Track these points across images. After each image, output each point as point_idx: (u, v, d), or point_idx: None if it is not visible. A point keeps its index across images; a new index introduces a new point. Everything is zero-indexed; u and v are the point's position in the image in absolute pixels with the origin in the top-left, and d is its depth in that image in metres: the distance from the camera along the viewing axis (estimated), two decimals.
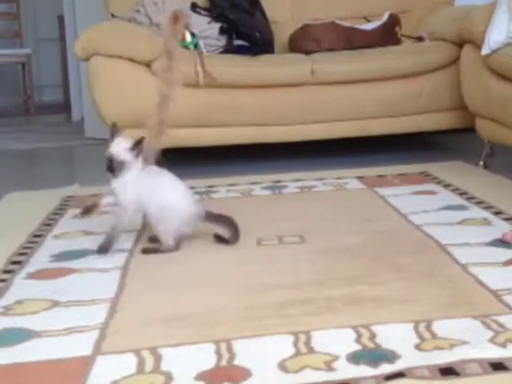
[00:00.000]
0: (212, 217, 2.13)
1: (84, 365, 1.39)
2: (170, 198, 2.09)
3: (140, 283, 1.85)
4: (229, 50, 3.48)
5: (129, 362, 1.39)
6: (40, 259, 2.07)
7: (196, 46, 2.37)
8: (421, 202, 2.56)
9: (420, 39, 3.65)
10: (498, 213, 2.35)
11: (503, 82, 2.90)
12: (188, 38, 2.34)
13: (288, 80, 3.33)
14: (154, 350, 1.43)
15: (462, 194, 2.64)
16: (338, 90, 3.37)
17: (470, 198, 2.56)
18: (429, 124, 3.51)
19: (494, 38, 2.94)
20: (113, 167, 2.06)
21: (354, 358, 1.36)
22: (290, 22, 3.89)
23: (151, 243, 2.17)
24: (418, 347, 1.40)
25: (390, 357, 1.36)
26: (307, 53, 3.50)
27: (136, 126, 3.25)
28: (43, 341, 1.51)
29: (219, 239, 2.15)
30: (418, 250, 2.03)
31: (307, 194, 2.79)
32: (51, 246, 2.20)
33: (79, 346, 1.47)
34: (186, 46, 2.34)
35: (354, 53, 3.47)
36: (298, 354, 1.40)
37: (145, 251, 2.12)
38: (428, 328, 1.49)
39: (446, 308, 1.60)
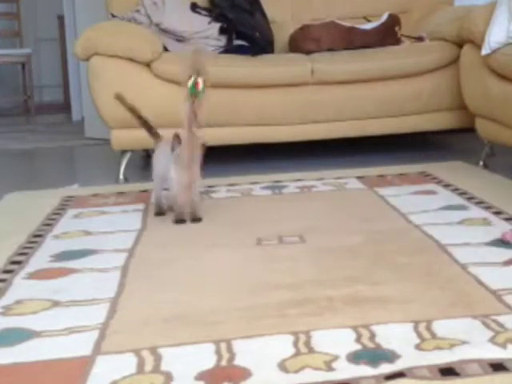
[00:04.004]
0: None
1: (84, 365, 1.39)
2: None
3: (140, 283, 1.85)
4: (229, 50, 3.48)
5: (129, 362, 1.39)
6: (40, 259, 2.07)
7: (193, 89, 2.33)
8: (421, 202, 2.56)
9: (420, 39, 3.65)
10: (497, 213, 2.35)
11: (503, 81, 2.90)
12: (201, 86, 2.31)
13: (288, 80, 3.33)
14: (153, 350, 1.43)
15: (462, 193, 2.64)
16: (338, 90, 3.37)
17: (470, 198, 2.56)
18: (429, 124, 3.51)
19: (494, 37, 2.94)
20: None
21: (354, 358, 1.36)
22: (290, 22, 3.89)
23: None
24: (418, 347, 1.40)
25: (390, 357, 1.36)
26: (307, 53, 3.50)
27: (136, 126, 3.26)
28: (43, 341, 1.51)
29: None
30: (418, 250, 2.03)
31: (307, 193, 2.79)
32: (51, 246, 2.20)
33: (79, 346, 1.47)
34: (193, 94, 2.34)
35: (354, 53, 3.47)
36: (298, 354, 1.40)
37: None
38: (428, 328, 1.49)
39: (446, 308, 1.60)
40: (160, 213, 2.50)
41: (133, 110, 2.62)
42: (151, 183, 3.08)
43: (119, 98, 2.62)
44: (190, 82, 2.31)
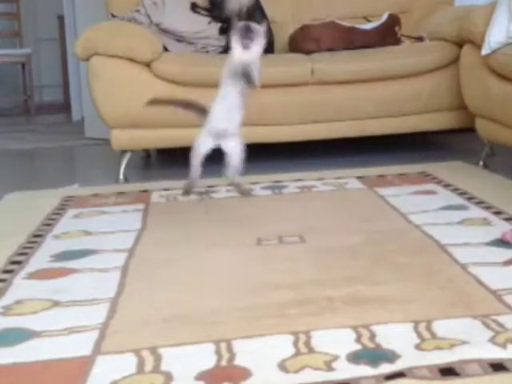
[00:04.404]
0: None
1: (84, 365, 1.39)
2: None
3: (140, 283, 1.85)
4: (229, 50, 3.48)
5: (129, 362, 1.39)
6: (40, 259, 2.07)
7: None
8: (421, 202, 2.56)
9: (420, 39, 3.65)
10: (498, 213, 2.35)
11: (503, 81, 2.90)
12: None
13: (288, 80, 3.33)
14: (153, 350, 1.43)
15: (462, 193, 2.64)
16: (338, 90, 3.37)
17: (470, 198, 2.56)
18: (429, 124, 3.51)
19: (494, 37, 2.94)
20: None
21: (354, 358, 1.36)
22: (290, 21, 3.90)
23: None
24: (418, 347, 1.40)
25: (390, 357, 1.36)
26: (307, 53, 3.50)
27: (136, 126, 3.26)
28: (43, 341, 1.51)
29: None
30: (418, 250, 2.03)
31: (307, 193, 2.79)
32: (51, 246, 2.20)
33: (79, 346, 1.47)
34: None
35: (354, 53, 3.47)
36: (298, 354, 1.40)
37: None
38: (428, 328, 1.49)
39: (446, 308, 1.60)
40: (189, 191, 2.41)
41: (172, 102, 2.56)
42: (152, 183, 3.10)
43: (155, 103, 2.54)
44: None
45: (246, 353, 1.41)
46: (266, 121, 3.35)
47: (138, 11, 3.49)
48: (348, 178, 2.98)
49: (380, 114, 3.42)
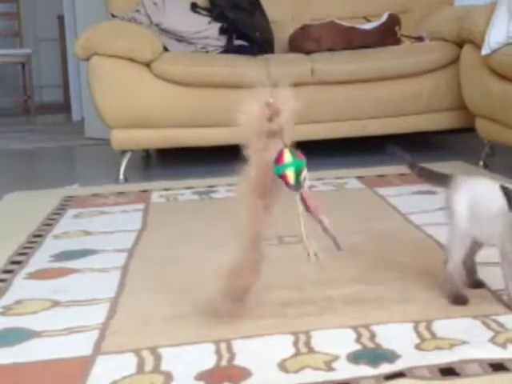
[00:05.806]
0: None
1: (84, 365, 1.39)
2: None
3: (140, 283, 1.85)
4: (229, 50, 3.49)
5: (129, 362, 1.39)
6: (40, 259, 2.07)
7: (298, 178, 1.57)
8: (421, 201, 2.56)
9: (420, 39, 3.65)
10: None
11: (503, 81, 2.91)
12: (287, 157, 1.55)
13: (288, 80, 3.32)
14: (153, 350, 1.43)
15: None
16: (338, 90, 3.37)
17: None
18: (429, 124, 3.51)
19: (494, 37, 2.95)
20: None
21: (354, 358, 1.36)
22: (290, 22, 3.89)
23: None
24: (418, 347, 1.40)
25: (390, 357, 1.36)
26: (307, 53, 3.50)
27: (136, 126, 3.26)
28: (43, 341, 1.51)
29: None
30: (417, 249, 2.02)
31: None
32: (51, 246, 2.20)
33: (79, 346, 1.47)
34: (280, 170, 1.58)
35: (353, 53, 3.47)
36: (297, 354, 1.40)
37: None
38: (428, 328, 1.49)
39: (446, 308, 1.60)
40: (462, 300, 1.63)
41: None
42: (152, 183, 3.09)
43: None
44: (291, 175, 1.56)
45: (246, 353, 1.41)
46: None
47: (138, 11, 3.49)
48: (348, 178, 2.98)
49: (380, 113, 3.42)
